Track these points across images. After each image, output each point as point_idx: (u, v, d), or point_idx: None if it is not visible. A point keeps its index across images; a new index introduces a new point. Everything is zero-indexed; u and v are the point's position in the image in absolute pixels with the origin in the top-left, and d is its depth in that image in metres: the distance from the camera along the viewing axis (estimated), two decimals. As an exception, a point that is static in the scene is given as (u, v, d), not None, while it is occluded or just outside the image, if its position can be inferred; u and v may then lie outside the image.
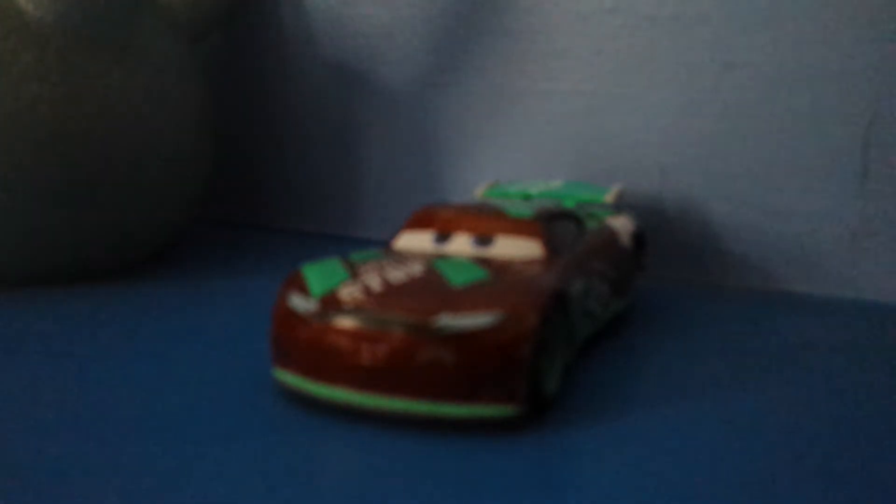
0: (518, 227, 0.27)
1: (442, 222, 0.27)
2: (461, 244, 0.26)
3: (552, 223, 0.27)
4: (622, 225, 0.32)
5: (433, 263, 0.24)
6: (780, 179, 0.36)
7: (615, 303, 0.30)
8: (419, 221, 0.28)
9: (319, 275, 0.24)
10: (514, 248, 0.26)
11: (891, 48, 0.32)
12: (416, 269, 0.24)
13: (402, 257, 0.25)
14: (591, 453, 0.21)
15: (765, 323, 0.32)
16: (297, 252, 0.44)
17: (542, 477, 0.19)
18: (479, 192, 0.36)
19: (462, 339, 0.21)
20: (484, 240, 0.26)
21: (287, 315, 0.23)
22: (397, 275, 0.24)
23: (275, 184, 0.46)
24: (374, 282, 0.23)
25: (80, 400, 0.24)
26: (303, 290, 0.24)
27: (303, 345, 0.23)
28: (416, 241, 0.27)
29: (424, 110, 0.41)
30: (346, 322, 0.22)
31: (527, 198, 0.34)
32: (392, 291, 0.23)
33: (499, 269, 0.24)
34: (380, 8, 0.41)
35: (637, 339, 0.30)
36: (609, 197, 0.34)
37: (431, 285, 0.23)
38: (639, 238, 0.33)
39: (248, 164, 0.46)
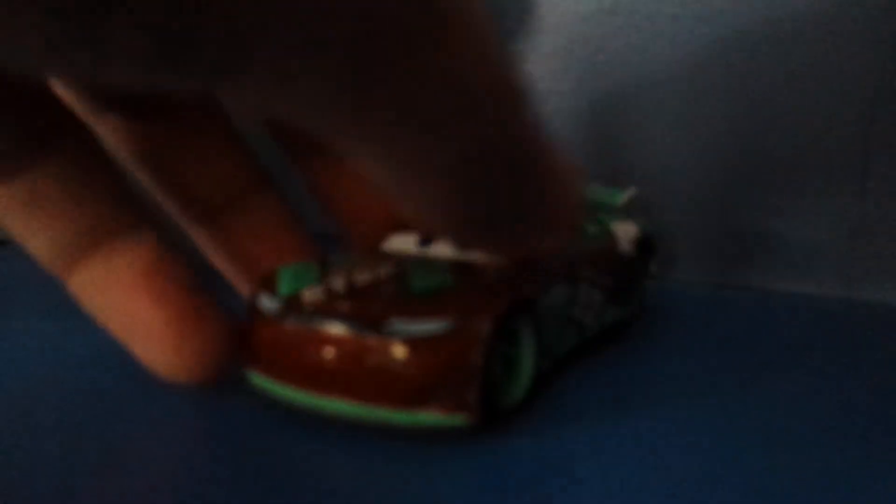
0: (500, 231, 0.26)
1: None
2: (443, 247, 0.26)
3: (539, 228, 0.27)
4: (624, 230, 0.31)
5: (405, 266, 0.24)
6: (779, 179, 0.35)
7: (612, 311, 0.29)
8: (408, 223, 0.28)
9: (291, 275, 0.24)
10: (493, 252, 0.25)
11: (891, 47, 0.31)
12: (385, 271, 0.24)
13: (379, 259, 0.25)
14: (587, 457, 0.20)
15: (763, 323, 0.31)
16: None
17: (524, 485, 0.19)
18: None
19: (411, 345, 0.21)
20: (465, 244, 0.26)
21: (254, 314, 0.24)
22: (364, 277, 0.23)
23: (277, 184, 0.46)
24: (339, 284, 0.23)
25: (70, 400, 0.24)
26: (272, 289, 0.24)
27: (264, 345, 0.23)
28: (401, 242, 0.27)
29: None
30: (298, 323, 0.22)
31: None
32: (351, 294, 0.22)
33: (470, 274, 0.24)
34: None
35: (635, 340, 0.29)
36: (620, 201, 0.33)
37: (392, 289, 0.23)
38: (645, 244, 0.32)
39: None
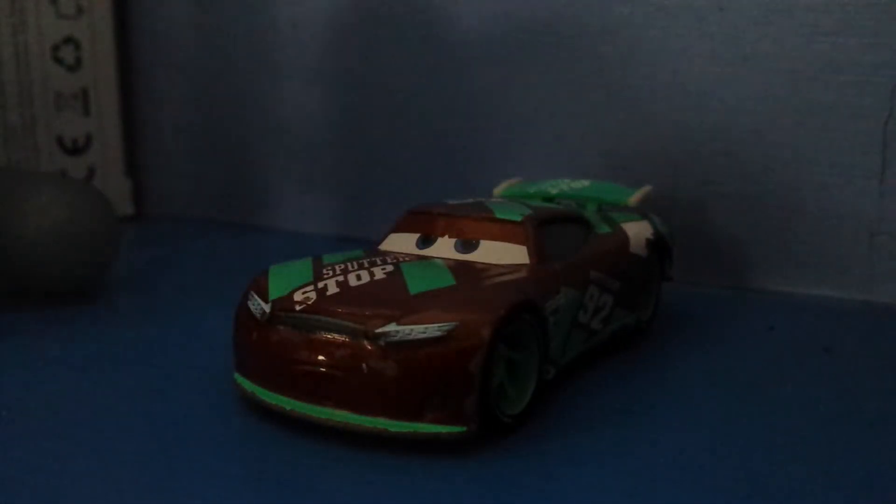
0: (504, 231, 0.25)
1: (428, 224, 0.26)
2: (443, 248, 0.25)
3: (546, 227, 0.25)
4: (637, 230, 0.29)
5: (401, 267, 0.23)
6: (795, 177, 0.34)
7: (621, 316, 0.28)
8: (407, 222, 0.26)
9: (283, 276, 0.23)
10: (497, 253, 0.24)
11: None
12: (381, 273, 0.23)
13: (376, 260, 0.24)
14: (594, 469, 0.20)
15: (779, 326, 0.30)
16: (306, 253, 0.42)
17: (527, 500, 0.18)
18: (497, 191, 0.34)
19: (405, 351, 0.19)
20: (467, 244, 0.25)
21: (244, 317, 0.22)
22: (359, 279, 0.22)
23: (280, 184, 0.45)
24: (332, 286, 0.22)
25: (76, 403, 0.23)
26: (262, 291, 0.23)
27: (253, 349, 0.22)
28: (400, 243, 0.26)
29: (432, 110, 0.40)
30: (287, 326, 0.21)
31: (547, 198, 0.32)
32: (344, 297, 0.21)
33: (471, 277, 0.23)
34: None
35: (646, 342, 0.28)
36: (634, 199, 0.32)
37: (387, 291, 0.21)
38: (659, 245, 0.30)
39: (251, 165, 0.45)
